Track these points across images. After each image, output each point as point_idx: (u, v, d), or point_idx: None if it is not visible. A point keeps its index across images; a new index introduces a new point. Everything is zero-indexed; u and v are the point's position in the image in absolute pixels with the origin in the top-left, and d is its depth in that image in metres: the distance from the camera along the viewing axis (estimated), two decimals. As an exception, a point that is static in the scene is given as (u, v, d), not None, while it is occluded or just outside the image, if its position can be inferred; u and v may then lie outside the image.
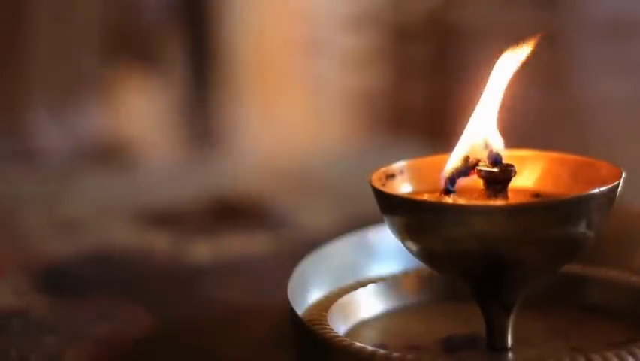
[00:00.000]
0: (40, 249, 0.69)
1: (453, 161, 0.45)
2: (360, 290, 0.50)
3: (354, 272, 0.52)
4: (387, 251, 0.53)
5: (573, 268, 0.50)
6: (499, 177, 0.44)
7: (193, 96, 1.47)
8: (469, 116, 0.46)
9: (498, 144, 0.46)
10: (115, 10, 1.39)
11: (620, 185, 0.43)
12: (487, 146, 0.45)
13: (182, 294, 0.60)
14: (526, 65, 0.46)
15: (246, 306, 0.57)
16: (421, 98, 1.41)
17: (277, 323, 0.53)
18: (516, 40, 0.46)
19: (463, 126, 0.46)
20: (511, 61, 0.46)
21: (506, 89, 0.46)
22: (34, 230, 0.74)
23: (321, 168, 0.92)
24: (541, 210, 0.41)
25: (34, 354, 0.51)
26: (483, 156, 0.45)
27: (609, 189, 0.42)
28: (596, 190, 0.42)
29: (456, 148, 0.46)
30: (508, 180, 0.44)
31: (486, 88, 0.46)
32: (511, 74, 0.46)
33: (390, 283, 0.51)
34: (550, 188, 0.46)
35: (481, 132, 0.46)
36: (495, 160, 0.44)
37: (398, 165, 0.47)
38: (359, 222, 0.55)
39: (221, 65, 1.48)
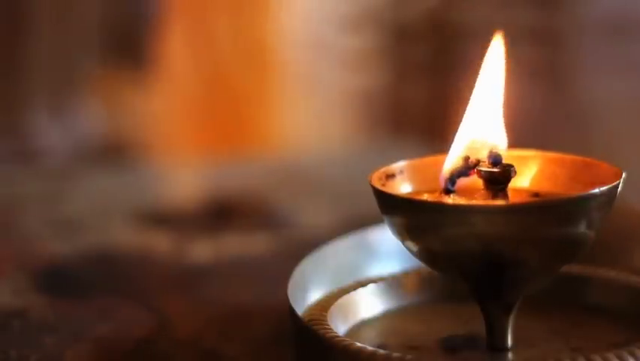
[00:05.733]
0: (40, 249, 0.69)
1: (450, 161, 0.45)
2: (360, 290, 0.50)
3: (354, 272, 0.52)
4: (387, 251, 0.53)
5: (573, 268, 0.50)
6: (499, 177, 0.44)
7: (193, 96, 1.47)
8: (463, 115, 0.46)
9: (501, 142, 0.46)
10: (115, 10, 1.39)
11: (620, 185, 0.43)
12: (488, 145, 0.45)
13: (182, 294, 0.60)
14: (513, 61, 0.46)
15: (246, 306, 0.57)
16: (420, 98, 1.41)
17: (277, 323, 0.53)
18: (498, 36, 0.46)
19: (459, 126, 0.46)
20: (497, 57, 0.46)
21: (502, 86, 0.46)
22: (34, 230, 0.74)
23: (321, 168, 0.92)
24: (541, 210, 0.41)
25: (34, 354, 0.51)
26: (483, 156, 0.45)
27: (609, 189, 0.42)
28: (596, 190, 0.42)
29: (452, 148, 0.46)
30: (508, 180, 0.44)
31: (476, 87, 0.46)
32: (500, 71, 0.46)
33: (390, 283, 0.51)
34: (550, 188, 0.46)
35: (481, 131, 0.46)
36: (495, 160, 0.44)
37: (398, 165, 0.47)
38: (359, 222, 0.55)
39: (221, 65, 1.48)
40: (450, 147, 0.46)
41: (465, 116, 0.46)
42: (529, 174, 0.47)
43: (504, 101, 0.46)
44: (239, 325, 0.54)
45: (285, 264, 0.51)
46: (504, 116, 0.46)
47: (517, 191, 0.45)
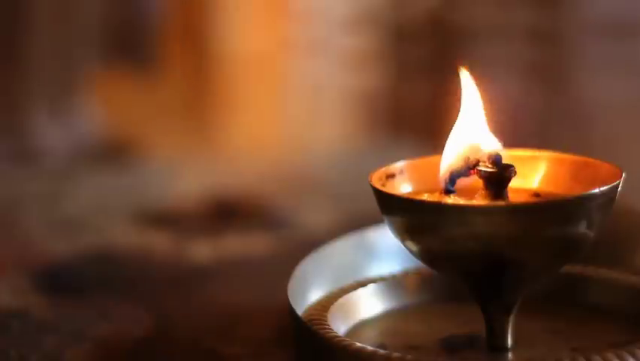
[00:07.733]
0: (40, 249, 0.69)
1: (448, 161, 0.45)
2: (360, 290, 0.50)
3: (354, 272, 0.52)
4: (387, 251, 0.53)
5: (573, 268, 0.50)
6: (499, 177, 0.44)
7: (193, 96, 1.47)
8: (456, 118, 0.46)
9: (492, 145, 0.46)
10: (115, 10, 1.39)
11: (620, 185, 0.43)
12: (479, 149, 0.45)
13: (182, 294, 0.60)
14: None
15: (246, 306, 0.57)
16: (420, 99, 1.41)
17: (277, 323, 0.53)
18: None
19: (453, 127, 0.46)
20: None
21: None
22: (34, 230, 0.74)
23: (321, 168, 0.92)
24: (541, 210, 0.41)
25: (34, 354, 0.51)
26: (483, 156, 0.45)
27: (609, 189, 0.42)
28: (596, 190, 0.42)
29: (446, 148, 0.46)
30: (508, 180, 0.44)
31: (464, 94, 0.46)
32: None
33: (390, 283, 0.51)
34: (550, 188, 0.47)
35: (472, 134, 0.46)
36: (495, 160, 0.44)
37: (398, 165, 0.47)
38: (359, 222, 0.55)
39: (221, 65, 1.48)
40: (444, 147, 0.46)
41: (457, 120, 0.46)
42: (530, 174, 0.47)
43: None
44: (239, 325, 0.54)
45: (285, 264, 0.51)
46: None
47: (517, 191, 0.45)
